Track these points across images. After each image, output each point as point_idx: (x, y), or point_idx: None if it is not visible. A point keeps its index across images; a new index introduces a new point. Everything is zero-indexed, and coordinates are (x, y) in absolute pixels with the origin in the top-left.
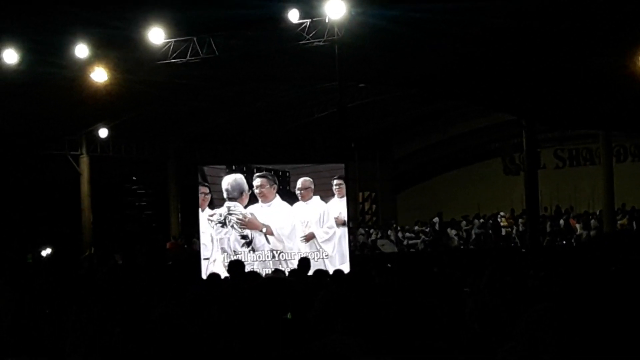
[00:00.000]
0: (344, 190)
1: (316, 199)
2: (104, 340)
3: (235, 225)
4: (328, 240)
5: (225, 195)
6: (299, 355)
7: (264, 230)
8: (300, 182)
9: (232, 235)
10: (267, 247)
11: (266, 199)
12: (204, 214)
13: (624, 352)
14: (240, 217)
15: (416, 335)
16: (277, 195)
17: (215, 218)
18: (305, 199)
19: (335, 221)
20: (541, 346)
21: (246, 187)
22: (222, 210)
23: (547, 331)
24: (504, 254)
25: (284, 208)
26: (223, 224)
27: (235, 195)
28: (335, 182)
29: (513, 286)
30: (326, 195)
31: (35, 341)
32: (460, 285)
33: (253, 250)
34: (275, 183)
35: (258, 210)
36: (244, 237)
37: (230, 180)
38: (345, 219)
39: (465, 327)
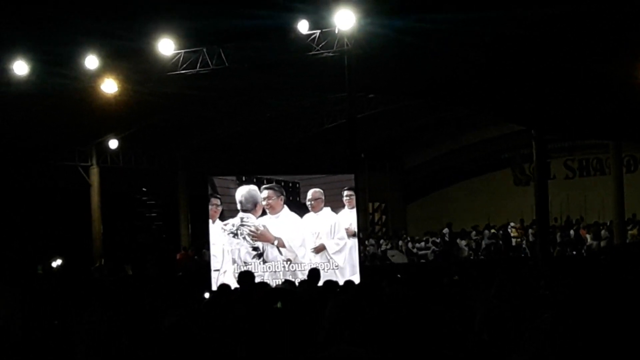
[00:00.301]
0: (354, 201)
1: (327, 210)
2: (112, 348)
3: (247, 237)
4: (339, 251)
5: (239, 207)
6: None
7: (276, 242)
8: (310, 194)
9: (243, 247)
10: (279, 258)
11: (274, 211)
12: (215, 226)
13: None
14: (253, 228)
15: (425, 343)
16: (285, 206)
17: (227, 228)
18: (316, 210)
19: (346, 232)
20: (546, 356)
21: (260, 198)
22: (235, 220)
23: (552, 341)
24: (514, 264)
25: (292, 219)
26: (235, 234)
27: (249, 207)
28: (345, 193)
29: (521, 295)
30: (336, 207)
31: (44, 348)
32: (469, 295)
33: (264, 261)
34: (283, 194)
35: (268, 222)
36: (255, 248)
37: (244, 192)
38: (356, 229)
39: (475, 336)
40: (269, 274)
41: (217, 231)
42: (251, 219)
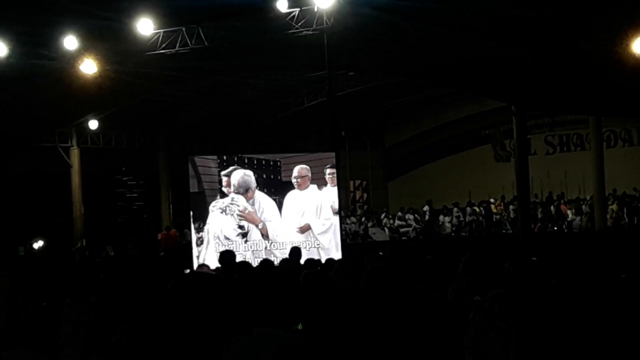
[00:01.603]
0: (335, 179)
1: (313, 187)
2: (103, 333)
3: (234, 215)
4: (324, 232)
5: (232, 189)
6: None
7: (260, 226)
8: (296, 170)
9: (229, 224)
10: (261, 238)
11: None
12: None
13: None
14: (241, 208)
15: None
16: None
17: (217, 205)
18: (302, 187)
19: (331, 210)
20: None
21: (253, 184)
22: (226, 200)
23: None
24: (489, 241)
25: (264, 199)
26: (223, 211)
27: (241, 191)
28: (328, 170)
29: (489, 272)
30: (319, 184)
31: (32, 333)
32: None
33: (246, 240)
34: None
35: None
36: (240, 227)
37: (238, 177)
38: (336, 207)
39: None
40: (250, 253)
41: (204, 209)
42: (241, 200)
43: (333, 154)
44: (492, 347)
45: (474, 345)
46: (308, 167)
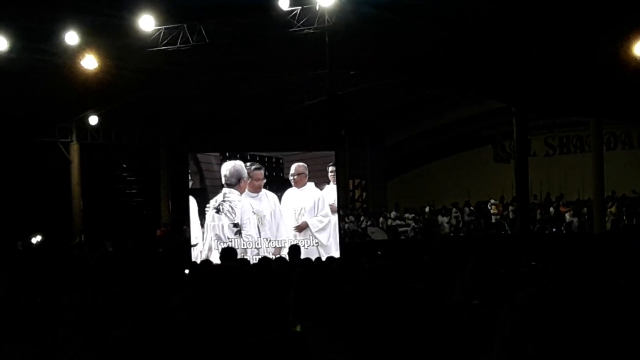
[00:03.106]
0: (334, 177)
1: (310, 185)
2: (101, 330)
3: (227, 213)
4: (322, 229)
5: (223, 181)
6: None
7: (255, 219)
8: (293, 168)
9: (224, 223)
10: (255, 236)
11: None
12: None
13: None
14: (235, 203)
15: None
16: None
17: (211, 204)
18: (299, 185)
19: (330, 209)
20: (523, 335)
21: (245, 174)
22: (218, 196)
23: (531, 320)
24: (490, 242)
25: (270, 197)
26: (218, 210)
27: (233, 181)
28: (330, 168)
29: (499, 274)
30: (320, 182)
31: (28, 328)
32: (450, 273)
33: (241, 237)
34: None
35: (250, 200)
36: (235, 224)
37: (229, 167)
38: (335, 206)
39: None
40: (250, 250)
41: (205, 205)
42: (234, 194)
43: (333, 153)
44: (528, 343)
45: (508, 341)
46: (305, 165)
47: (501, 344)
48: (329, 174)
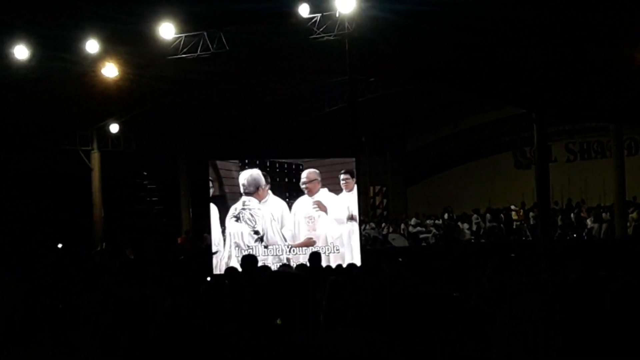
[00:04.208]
0: (352, 184)
1: (324, 191)
2: (117, 335)
3: (248, 221)
4: (338, 237)
5: (242, 190)
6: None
7: (278, 226)
8: (305, 175)
9: (245, 231)
10: (279, 242)
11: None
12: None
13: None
14: (254, 211)
15: (423, 326)
16: (270, 192)
17: (230, 212)
18: (312, 193)
19: (345, 216)
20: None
21: (263, 182)
22: (238, 204)
23: (534, 324)
24: (510, 248)
25: (278, 203)
26: (237, 218)
27: (251, 190)
28: (342, 176)
29: (519, 281)
30: (335, 190)
31: (49, 332)
32: (471, 280)
33: (265, 245)
34: (268, 182)
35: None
36: (256, 232)
37: (247, 176)
38: (354, 213)
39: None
40: (271, 258)
41: (225, 212)
42: (253, 202)
43: (353, 160)
44: (522, 350)
45: (504, 348)
46: (317, 171)
47: (497, 349)
48: (341, 181)
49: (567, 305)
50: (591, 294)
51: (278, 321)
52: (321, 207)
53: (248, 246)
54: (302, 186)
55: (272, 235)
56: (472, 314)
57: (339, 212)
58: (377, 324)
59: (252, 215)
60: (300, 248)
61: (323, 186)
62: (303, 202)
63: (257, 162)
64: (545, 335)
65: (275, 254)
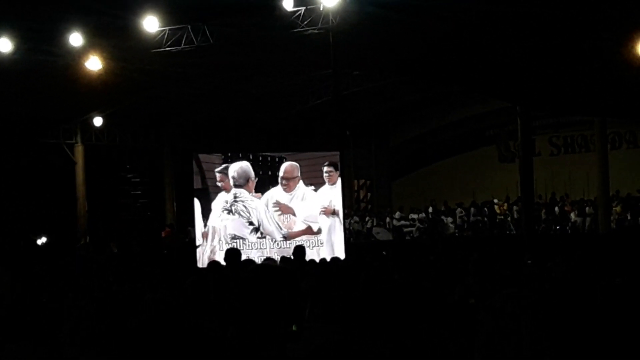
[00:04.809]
0: (335, 177)
1: (301, 187)
2: (102, 329)
3: (241, 213)
4: (317, 232)
5: (231, 183)
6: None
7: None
8: (283, 170)
9: (238, 222)
10: (275, 233)
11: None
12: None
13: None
14: (248, 203)
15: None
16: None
17: (219, 205)
18: (290, 190)
19: (325, 210)
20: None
21: (252, 174)
22: (229, 197)
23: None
24: (494, 242)
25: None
26: (230, 211)
27: (242, 182)
28: (325, 169)
29: (502, 274)
30: (318, 183)
31: (33, 327)
32: (456, 274)
33: (261, 235)
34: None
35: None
36: (251, 223)
37: (236, 168)
38: (336, 207)
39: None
40: (267, 250)
41: (207, 205)
42: (244, 194)
43: (337, 153)
44: (505, 345)
45: (486, 343)
46: (297, 165)
47: (480, 345)
48: (324, 174)
49: (552, 299)
50: (578, 289)
51: (294, 327)
52: (285, 210)
53: (239, 237)
54: (281, 181)
55: (268, 225)
56: (456, 308)
57: (319, 206)
58: (366, 318)
59: (245, 207)
60: (292, 240)
61: (306, 181)
62: (278, 196)
63: (240, 155)
64: (528, 330)
65: (270, 245)
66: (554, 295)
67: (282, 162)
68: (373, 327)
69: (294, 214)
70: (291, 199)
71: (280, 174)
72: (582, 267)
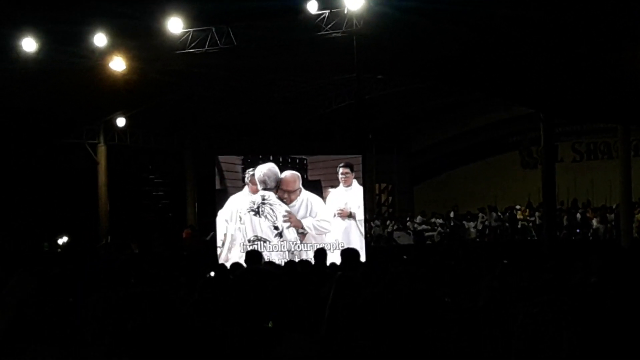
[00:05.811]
0: (350, 179)
1: (302, 196)
2: (126, 329)
3: (268, 216)
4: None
5: (259, 186)
6: None
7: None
8: (283, 180)
9: (264, 224)
10: (297, 240)
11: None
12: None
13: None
14: (275, 207)
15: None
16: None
17: (247, 206)
18: (289, 202)
19: (341, 213)
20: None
21: (280, 175)
22: (256, 198)
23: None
24: (519, 247)
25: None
26: (257, 212)
27: (272, 185)
28: (340, 170)
29: (526, 282)
30: (335, 186)
31: (53, 329)
32: (476, 280)
33: (282, 240)
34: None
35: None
36: (275, 227)
37: (264, 170)
38: (353, 210)
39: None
40: (287, 253)
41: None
42: (272, 197)
43: (360, 157)
44: (545, 351)
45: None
46: (299, 175)
47: (516, 351)
48: (339, 175)
49: (589, 306)
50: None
51: (270, 324)
52: (296, 224)
53: (262, 239)
54: (282, 193)
55: (289, 232)
56: (480, 315)
57: (335, 209)
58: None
59: (272, 210)
60: (312, 245)
61: (327, 184)
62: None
63: (261, 156)
64: (568, 337)
65: (290, 249)
66: (593, 302)
67: (304, 164)
68: (376, 335)
69: (302, 228)
70: (295, 212)
71: (281, 185)
72: (616, 273)
